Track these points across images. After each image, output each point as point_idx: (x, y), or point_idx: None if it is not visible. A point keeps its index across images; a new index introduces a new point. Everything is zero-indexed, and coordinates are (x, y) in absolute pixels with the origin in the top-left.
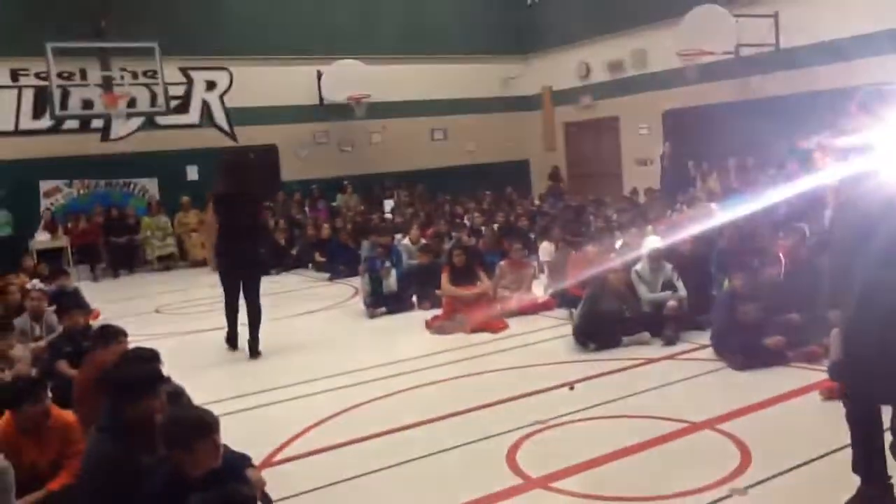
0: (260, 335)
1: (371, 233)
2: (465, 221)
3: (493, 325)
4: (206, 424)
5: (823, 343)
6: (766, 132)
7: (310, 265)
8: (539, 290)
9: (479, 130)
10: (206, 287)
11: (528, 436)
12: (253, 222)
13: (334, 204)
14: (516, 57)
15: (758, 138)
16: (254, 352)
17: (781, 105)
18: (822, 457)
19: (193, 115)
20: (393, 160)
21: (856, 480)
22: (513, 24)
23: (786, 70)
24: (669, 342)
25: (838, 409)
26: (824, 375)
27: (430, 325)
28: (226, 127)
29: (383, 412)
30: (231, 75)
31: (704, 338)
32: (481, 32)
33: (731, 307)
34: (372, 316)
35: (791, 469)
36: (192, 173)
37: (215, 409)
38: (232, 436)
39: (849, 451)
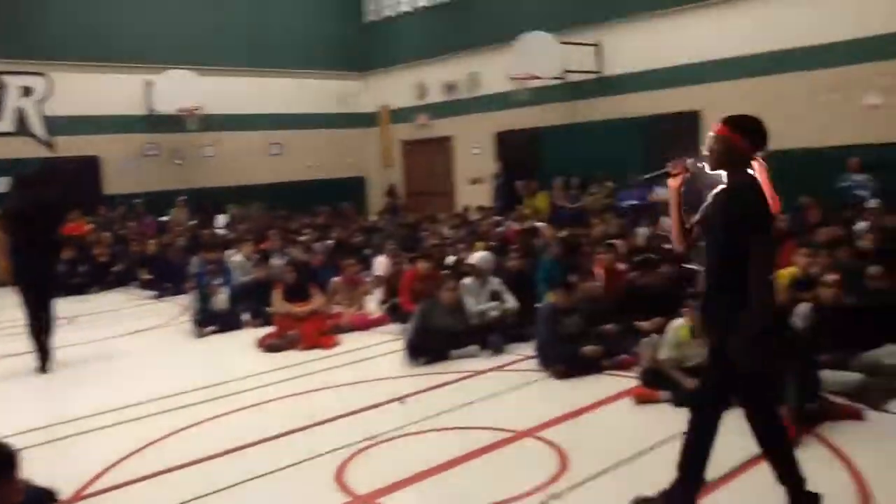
0: (55, 349)
1: (200, 248)
2: (300, 238)
3: (326, 342)
4: (3, 459)
5: (635, 352)
6: (590, 154)
7: (135, 283)
8: (373, 306)
9: (317, 146)
10: (13, 308)
11: (357, 452)
12: (47, 238)
13: (163, 218)
14: (354, 74)
15: (582, 160)
16: (44, 364)
17: (603, 129)
18: (634, 457)
19: (6, 123)
20: (228, 174)
21: (668, 477)
22: (351, 42)
23: (606, 96)
24: (496, 350)
25: (649, 412)
26: (636, 382)
27: (262, 344)
28: (43, 136)
29: (209, 435)
30: (50, 81)
31: (529, 349)
32: (320, 49)
33: (553, 320)
34: (201, 335)
35: (605, 471)
36: (4, 186)
37: (22, 440)
38: (38, 469)
39: (659, 450)
